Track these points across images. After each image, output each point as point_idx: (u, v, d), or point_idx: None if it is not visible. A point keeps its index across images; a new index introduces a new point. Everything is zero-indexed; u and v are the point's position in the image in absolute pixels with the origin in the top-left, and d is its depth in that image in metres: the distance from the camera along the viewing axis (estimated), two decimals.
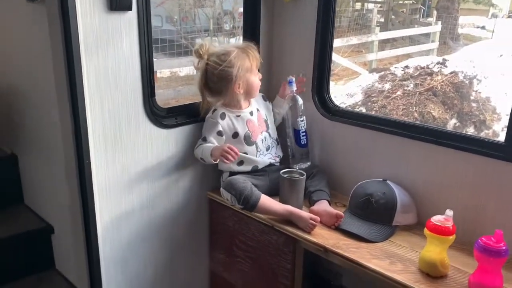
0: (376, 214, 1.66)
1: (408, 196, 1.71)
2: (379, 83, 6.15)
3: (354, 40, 8.18)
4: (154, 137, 1.73)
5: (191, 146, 1.87)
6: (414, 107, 5.56)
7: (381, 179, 1.74)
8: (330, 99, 1.96)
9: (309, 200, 1.82)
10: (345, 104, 6.13)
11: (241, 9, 1.97)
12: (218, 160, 1.75)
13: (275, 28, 2.04)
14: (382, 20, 11.62)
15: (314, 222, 1.63)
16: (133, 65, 1.59)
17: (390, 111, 5.64)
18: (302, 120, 1.91)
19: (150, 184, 1.78)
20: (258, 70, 1.85)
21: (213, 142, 1.81)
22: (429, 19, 11.37)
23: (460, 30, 10.72)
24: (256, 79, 1.84)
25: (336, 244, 1.58)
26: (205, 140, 1.82)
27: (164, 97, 5.78)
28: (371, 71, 6.99)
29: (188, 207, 1.94)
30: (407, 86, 5.83)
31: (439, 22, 9.73)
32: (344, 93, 6.41)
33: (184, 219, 1.94)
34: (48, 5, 1.47)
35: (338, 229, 1.66)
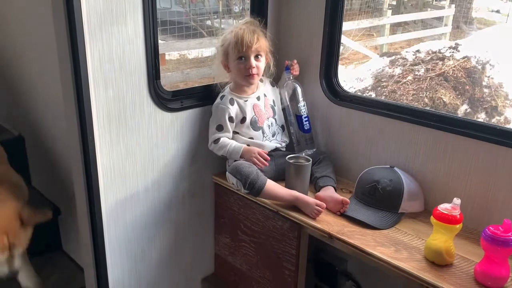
0: (382, 201, 1.64)
1: (415, 184, 1.68)
2: (390, 68, 6.06)
3: (366, 23, 8.03)
4: (159, 120, 1.71)
5: (196, 129, 1.86)
6: (425, 93, 5.47)
7: (388, 166, 1.72)
8: (338, 84, 1.92)
9: (315, 186, 1.80)
10: (354, 88, 6.06)
11: None
12: None
13: (284, 7, 1.99)
14: (394, 3, 11.40)
15: (319, 208, 1.62)
16: (138, 47, 1.57)
17: (400, 96, 5.56)
18: (304, 106, 1.88)
19: (155, 167, 1.77)
20: (257, 55, 1.76)
21: (230, 129, 1.80)
22: (442, 2, 11.12)
23: (474, 14, 10.49)
24: (238, 65, 1.76)
25: (341, 230, 1.57)
26: (221, 129, 1.80)
27: (173, 79, 5.74)
28: (382, 55, 6.88)
29: (193, 191, 1.93)
30: (418, 71, 5.74)
31: (453, 6, 9.51)
32: (354, 77, 6.33)
33: (189, 202, 1.94)
34: None
35: (344, 215, 1.65)
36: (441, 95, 5.38)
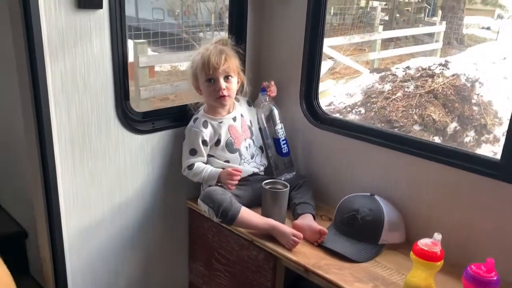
0: (361, 232, 1.56)
1: (397, 213, 1.60)
2: (380, 84, 6.03)
3: (357, 38, 8.04)
4: (127, 143, 1.62)
5: (169, 153, 1.77)
6: (414, 109, 5.44)
7: (369, 194, 1.64)
8: (319, 106, 1.85)
9: (293, 213, 1.71)
10: (344, 103, 6.02)
11: None
12: None
13: (264, 26, 1.93)
14: (386, 18, 11.47)
15: (296, 239, 1.53)
16: (104, 67, 1.48)
17: (389, 112, 5.53)
18: (281, 128, 1.81)
19: (123, 192, 1.68)
20: (227, 76, 1.68)
21: (204, 153, 1.72)
22: (434, 18, 11.22)
23: (464, 31, 10.58)
24: (207, 88, 1.69)
25: (318, 263, 1.48)
26: (195, 153, 1.72)
27: (162, 92, 5.66)
28: (372, 71, 6.86)
29: (165, 217, 1.84)
30: (408, 87, 5.71)
31: (444, 22, 9.59)
32: (344, 92, 6.30)
33: (160, 228, 1.84)
34: (10, 4, 1.36)
35: (321, 246, 1.56)
36: (431, 112, 5.34)
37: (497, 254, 1.27)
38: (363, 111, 5.76)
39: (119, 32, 1.49)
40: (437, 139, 5.26)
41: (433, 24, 10.08)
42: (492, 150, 5.18)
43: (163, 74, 7.32)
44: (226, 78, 1.69)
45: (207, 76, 1.68)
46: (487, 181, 1.40)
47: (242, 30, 1.87)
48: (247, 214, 1.61)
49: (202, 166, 1.72)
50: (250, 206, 1.69)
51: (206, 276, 1.89)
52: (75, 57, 1.41)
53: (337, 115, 5.60)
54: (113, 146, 1.59)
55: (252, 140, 1.82)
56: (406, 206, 1.61)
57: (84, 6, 1.37)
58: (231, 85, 1.71)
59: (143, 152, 1.68)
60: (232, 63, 1.70)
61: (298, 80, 1.85)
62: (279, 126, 1.82)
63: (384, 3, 11.68)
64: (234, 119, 1.78)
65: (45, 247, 1.55)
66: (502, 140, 5.36)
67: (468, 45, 9.66)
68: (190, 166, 1.73)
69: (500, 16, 11.82)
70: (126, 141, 1.62)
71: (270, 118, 1.83)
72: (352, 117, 5.64)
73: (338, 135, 1.78)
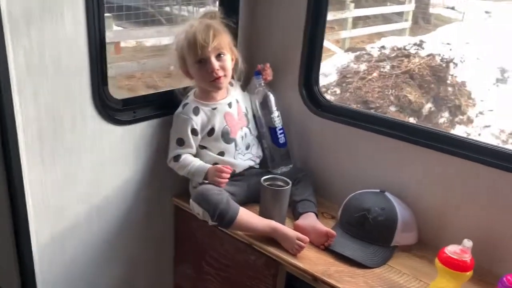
0: (372, 233, 1.41)
1: (409, 212, 1.47)
2: (355, 63, 5.91)
3: (329, 16, 7.86)
4: (106, 136, 1.39)
5: (154, 145, 1.55)
6: (390, 90, 5.36)
7: (378, 190, 1.49)
8: (320, 93, 1.67)
9: (293, 212, 1.55)
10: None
11: None
12: None
13: (259, 1, 1.71)
14: None
15: (301, 244, 1.37)
16: (79, 47, 1.24)
17: (365, 93, 5.43)
18: (278, 116, 1.63)
19: (101, 191, 1.45)
20: (219, 54, 1.47)
21: (193, 144, 1.52)
22: None
23: (431, 10, 10.61)
24: (199, 70, 1.48)
25: (327, 271, 1.32)
26: (182, 143, 1.51)
27: (128, 69, 5.31)
28: (347, 50, 6.73)
29: (148, 216, 1.63)
30: (384, 67, 5.62)
31: (413, 1, 9.57)
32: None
33: (143, 229, 1.64)
34: None
35: (328, 249, 1.41)
36: (407, 93, 5.28)
37: None
38: (338, 91, 5.63)
39: (95, 4, 1.24)
40: (412, 120, 5.22)
41: (402, 2, 10.04)
42: (466, 131, 5.20)
43: (128, 50, 6.92)
44: (218, 56, 1.48)
45: (196, 57, 1.46)
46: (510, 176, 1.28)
47: (235, 9, 1.64)
48: (246, 215, 1.43)
49: (189, 159, 1.52)
50: (245, 203, 1.53)
51: (195, 280, 1.71)
52: (42, 33, 1.15)
53: None
54: (90, 139, 1.35)
55: (249, 128, 1.62)
56: (418, 203, 1.48)
57: None
58: (226, 64, 1.49)
59: (124, 145, 1.45)
60: (223, 39, 1.49)
61: (297, 64, 1.65)
62: (276, 114, 1.64)
63: None
64: (230, 105, 1.57)
65: (11, 260, 1.31)
66: (476, 121, 5.43)
67: (435, 24, 9.69)
68: (176, 158, 1.52)
69: None
70: (104, 133, 1.38)
71: (265, 105, 1.64)
72: (327, 97, 5.51)
73: (341, 124, 1.61)
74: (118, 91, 5.16)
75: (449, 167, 1.40)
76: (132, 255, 1.63)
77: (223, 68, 1.49)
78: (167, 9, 8.10)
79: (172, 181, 1.62)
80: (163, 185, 1.62)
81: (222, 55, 1.49)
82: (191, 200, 1.44)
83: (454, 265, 1.14)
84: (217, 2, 1.69)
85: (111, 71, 4.75)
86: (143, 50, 6.85)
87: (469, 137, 4.40)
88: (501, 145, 4.48)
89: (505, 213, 1.31)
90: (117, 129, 1.42)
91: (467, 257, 1.14)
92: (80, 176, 1.37)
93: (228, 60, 1.51)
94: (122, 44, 6.59)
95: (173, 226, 1.73)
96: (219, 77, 1.48)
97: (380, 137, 1.53)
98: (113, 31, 5.16)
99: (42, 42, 1.16)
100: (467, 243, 1.15)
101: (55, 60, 1.20)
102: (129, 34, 5.98)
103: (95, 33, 1.25)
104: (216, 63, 1.47)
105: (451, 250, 1.16)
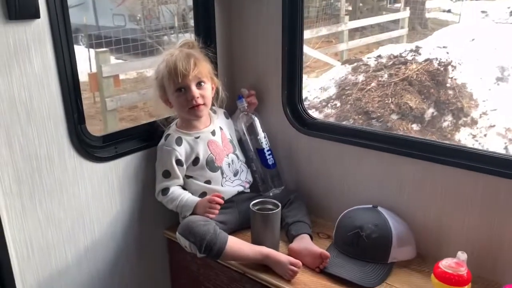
0: (368, 251, 1.37)
1: (405, 225, 1.42)
2: (352, 75, 5.89)
3: (324, 30, 7.90)
4: (87, 174, 1.38)
5: (140, 178, 1.53)
6: (390, 98, 5.32)
7: (371, 206, 1.45)
8: (305, 110, 1.65)
9: (287, 234, 1.51)
10: (319, 98, 5.86)
11: None
12: None
13: (235, 24, 1.70)
14: (350, 8, 11.40)
15: (294, 268, 1.33)
16: (50, 88, 1.23)
17: (365, 103, 5.39)
18: (264, 137, 1.61)
19: (88, 231, 1.43)
20: (199, 83, 1.46)
21: (179, 175, 1.50)
22: (396, 5, 11.22)
23: (427, 15, 10.63)
24: (178, 98, 1.46)
25: None
26: (168, 175, 1.49)
27: (129, 101, 5.36)
28: (344, 62, 6.72)
29: (141, 253, 1.60)
30: (381, 76, 5.59)
31: (408, 8, 9.59)
32: (317, 87, 6.13)
33: (137, 265, 1.60)
34: None
35: (324, 272, 1.36)
36: (407, 100, 5.23)
37: None
38: (338, 104, 5.60)
39: (65, 43, 1.24)
40: (415, 127, 5.16)
41: (397, 10, 10.07)
42: (471, 133, 5.12)
43: (130, 82, 6.99)
44: (199, 84, 1.47)
45: (176, 86, 1.45)
46: (507, 182, 1.23)
47: (210, 30, 1.64)
48: (235, 244, 1.39)
49: (177, 193, 1.49)
50: (238, 230, 1.50)
51: None
52: (10, 79, 1.15)
53: (313, 110, 5.43)
54: (70, 179, 1.34)
55: (236, 155, 1.60)
56: (412, 216, 1.43)
57: (17, 17, 1.12)
58: (205, 92, 1.48)
59: (107, 182, 1.43)
60: (204, 67, 1.48)
61: (278, 84, 1.64)
62: (262, 135, 1.62)
63: None
64: (213, 133, 1.55)
65: None
66: (480, 122, 5.34)
67: (432, 29, 9.68)
68: (164, 191, 1.50)
69: None
70: (85, 172, 1.37)
71: (251, 128, 1.63)
72: (328, 111, 5.48)
73: (329, 141, 1.58)
74: (120, 123, 5.21)
75: (438, 175, 1.35)
76: None
77: (203, 96, 1.47)
78: (165, 38, 8.22)
79: (163, 214, 1.59)
80: (154, 219, 1.59)
81: (202, 83, 1.48)
82: (177, 233, 1.41)
83: (451, 280, 1.10)
84: (193, 33, 1.69)
85: (113, 104, 4.84)
86: (144, 80, 6.92)
87: (460, 144, 4.34)
88: (491, 150, 4.39)
89: (502, 222, 1.26)
90: (99, 166, 1.40)
91: (463, 271, 1.09)
92: (64, 218, 1.35)
93: (208, 89, 1.50)
94: (124, 76, 6.67)
95: (168, 260, 1.69)
96: (198, 105, 1.46)
97: (369, 151, 1.49)
98: (111, 64, 5.23)
99: (11, 88, 1.16)
100: (462, 255, 1.10)
101: (26, 105, 1.19)
102: (126, 66, 6.06)
103: (66, 72, 1.25)
104: (196, 91, 1.46)
105: (446, 264, 1.11)
